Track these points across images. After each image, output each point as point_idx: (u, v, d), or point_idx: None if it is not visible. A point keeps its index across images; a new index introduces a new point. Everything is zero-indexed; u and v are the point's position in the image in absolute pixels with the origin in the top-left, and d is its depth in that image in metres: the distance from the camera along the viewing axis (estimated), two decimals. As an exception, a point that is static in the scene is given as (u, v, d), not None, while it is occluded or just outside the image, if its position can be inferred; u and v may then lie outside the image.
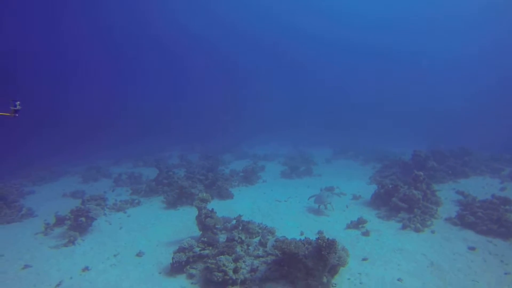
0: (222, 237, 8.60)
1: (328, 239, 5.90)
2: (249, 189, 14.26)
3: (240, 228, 8.85)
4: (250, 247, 7.66)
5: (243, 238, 7.96)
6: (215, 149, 27.91)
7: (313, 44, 73.22)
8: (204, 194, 9.05)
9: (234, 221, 9.26)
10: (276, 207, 11.50)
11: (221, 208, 11.71)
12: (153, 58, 70.60)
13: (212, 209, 9.00)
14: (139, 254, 7.82)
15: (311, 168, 17.40)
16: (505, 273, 6.16)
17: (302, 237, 8.50)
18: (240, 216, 9.28)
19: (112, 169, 22.54)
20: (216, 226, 8.78)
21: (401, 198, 10.08)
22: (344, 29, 69.61)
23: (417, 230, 8.44)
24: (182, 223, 10.10)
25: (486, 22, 58.48)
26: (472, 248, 7.17)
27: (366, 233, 8.59)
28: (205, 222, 8.46)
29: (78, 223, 8.48)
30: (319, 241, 5.86)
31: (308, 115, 53.88)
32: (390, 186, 10.89)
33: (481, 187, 12.55)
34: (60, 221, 9.31)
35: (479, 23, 59.21)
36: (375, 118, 48.71)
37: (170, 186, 14.29)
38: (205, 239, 7.66)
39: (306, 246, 6.23)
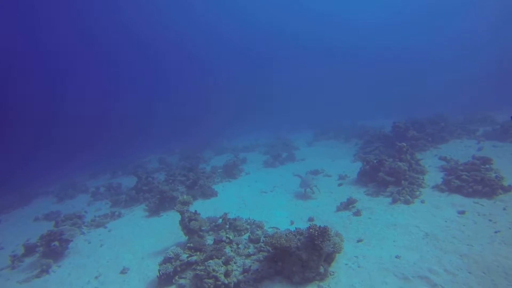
0: (210, 239, 8.15)
1: (319, 227, 5.57)
2: (233, 184, 13.81)
3: (227, 226, 8.43)
4: (240, 246, 7.25)
5: (232, 237, 7.54)
6: (194, 147, 27.16)
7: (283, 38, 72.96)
8: (185, 197, 8.52)
9: (220, 220, 8.81)
10: (263, 198, 11.14)
11: (206, 207, 11.24)
12: (129, 60, 68.16)
13: (196, 211, 8.51)
14: (124, 271, 7.24)
15: (293, 153, 17.14)
16: (495, 232, 6.09)
17: (293, 227, 8.24)
18: (226, 214, 8.85)
19: (89, 183, 21.42)
20: (202, 228, 8.30)
21: (388, 172, 9.96)
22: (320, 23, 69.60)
23: (407, 202, 8.33)
24: (167, 230, 9.55)
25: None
26: (461, 212, 7.10)
27: (357, 213, 8.38)
28: (189, 226, 7.96)
29: (51, 249, 7.74)
30: (311, 230, 5.53)
31: (284, 101, 54.19)
32: (375, 161, 10.75)
33: (460, 149, 12.72)
34: (29, 250, 8.50)
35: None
36: (350, 94, 49.58)
37: (151, 193, 13.64)
38: (192, 244, 7.18)
39: (297, 237, 5.88)
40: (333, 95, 54.05)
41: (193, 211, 8.43)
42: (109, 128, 49.14)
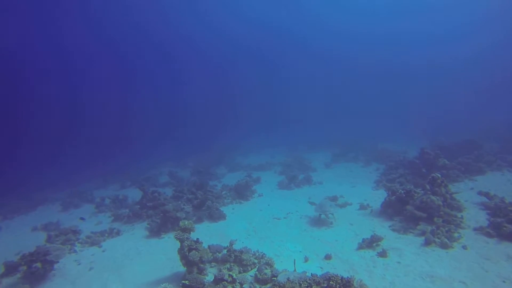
0: (212, 272, 7.13)
1: (341, 279, 4.45)
2: (244, 206, 12.76)
3: (232, 259, 7.36)
4: (244, 286, 6.18)
5: (235, 275, 6.47)
6: (208, 161, 26.38)
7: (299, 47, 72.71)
8: (186, 222, 7.56)
9: (225, 251, 7.76)
10: (275, 226, 10.02)
11: (212, 232, 10.25)
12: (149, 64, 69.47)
13: (197, 239, 7.51)
14: (108, 305, 6.28)
15: (310, 175, 15.96)
16: None
17: (307, 265, 7.08)
18: (232, 243, 7.81)
19: (98, 192, 20.95)
20: (203, 260, 7.27)
21: (418, 206, 8.67)
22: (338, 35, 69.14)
23: (444, 246, 7.01)
24: (165, 256, 8.58)
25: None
26: (521, 269, 5.75)
27: (383, 254, 7.14)
28: (189, 257, 6.96)
29: (32, 271, 6.90)
30: (331, 283, 4.41)
31: (303, 118, 53.46)
32: (402, 192, 9.48)
33: (503, 184, 11.20)
34: (10, 269, 7.69)
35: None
36: (369, 115, 48.18)
37: (155, 210, 12.77)
38: (187, 281, 6.15)
39: (314, 288, 4.76)
40: (351, 111, 52.92)
41: (195, 239, 7.43)
42: (128, 136, 49.49)
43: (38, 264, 6.99)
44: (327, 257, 7.42)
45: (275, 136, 40.59)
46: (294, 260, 6.82)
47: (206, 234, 10.12)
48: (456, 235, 7.44)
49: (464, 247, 6.90)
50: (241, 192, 13.62)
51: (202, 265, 7.16)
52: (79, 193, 18.24)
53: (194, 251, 7.08)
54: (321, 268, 6.93)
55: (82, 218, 12.24)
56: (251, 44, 70.59)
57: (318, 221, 9.88)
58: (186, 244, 7.22)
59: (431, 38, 61.78)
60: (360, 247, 7.70)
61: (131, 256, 8.74)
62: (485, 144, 16.69)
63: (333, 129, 40.36)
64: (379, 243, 7.68)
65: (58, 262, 7.74)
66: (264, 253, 7.62)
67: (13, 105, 49.70)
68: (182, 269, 7.25)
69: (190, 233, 7.52)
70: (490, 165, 12.84)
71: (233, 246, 7.81)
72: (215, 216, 11.42)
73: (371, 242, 7.69)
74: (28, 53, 49.00)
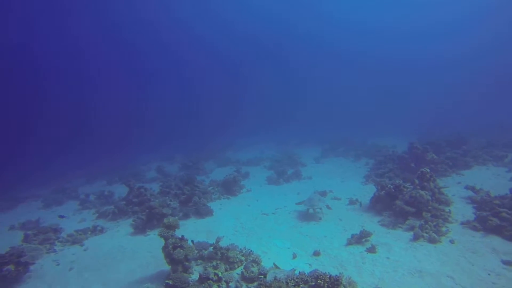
0: (197, 270, 6.91)
1: (329, 277, 4.29)
2: (232, 201, 12.55)
3: (219, 256, 7.15)
4: (230, 284, 5.99)
5: (221, 273, 6.26)
6: (199, 156, 26.02)
7: (302, 45, 72.61)
8: (171, 219, 7.29)
9: (211, 248, 7.54)
10: (263, 222, 9.84)
11: (198, 228, 10.01)
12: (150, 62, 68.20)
13: (183, 236, 7.25)
14: (88, 307, 5.99)
15: (299, 170, 15.86)
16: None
17: (295, 262, 6.94)
18: (218, 240, 7.61)
19: (83, 188, 20.40)
20: (189, 257, 7.04)
21: (407, 201, 8.62)
22: (334, 31, 69.21)
23: (432, 240, 6.97)
24: (150, 253, 8.30)
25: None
26: (508, 263, 5.72)
27: (372, 249, 7.05)
28: (173, 255, 6.71)
29: (3, 274, 6.50)
30: (319, 281, 4.25)
31: (295, 112, 53.45)
32: (391, 186, 9.43)
33: (488, 178, 11.32)
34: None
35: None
36: (360, 110, 48.53)
37: (141, 206, 12.44)
38: (171, 281, 5.92)
39: (301, 287, 4.60)
40: (341, 106, 53.18)
41: (180, 237, 7.18)
42: (129, 136, 48.46)
43: (11, 267, 6.60)
44: (316, 253, 7.29)
45: (267, 131, 40.47)
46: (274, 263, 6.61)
47: (193, 230, 9.89)
48: (444, 229, 7.42)
49: (452, 241, 6.87)
50: (229, 188, 13.39)
51: (187, 263, 6.92)
52: (63, 189, 17.67)
53: (179, 249, 6.83)
54: (309, 265, 6.80)
55: (61, 216, 11.76)
56: (252, 44, 70.33)
57: (307, 216, 9.77)
58: (170, 242, 6.96)
59: (431, 33, 62.31)
60: (349, 242, 7.60)
61: (114, 255, 8.43)
62: (472, 139, 16.92)
63: (324, 125, 40.53)
64: (368, 238, 7.59)
65: (34, 263, 7.36)
66: (251, 250, 7.43)
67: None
68: (167, 267, 7.00)
69: (174, 230, 7.26)
70: (476, 160, 12.97)
71: (219, 243, 7.61)
72: (202, 212, 11.17)
73: (360, 238, 7.59)
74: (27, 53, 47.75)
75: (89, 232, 9.93)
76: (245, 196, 13.02)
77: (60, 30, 47.90)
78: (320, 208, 9.78)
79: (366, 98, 56.37)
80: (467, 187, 9.98)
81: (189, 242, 7.31)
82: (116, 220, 12.16)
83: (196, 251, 7.36)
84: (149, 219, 10.50)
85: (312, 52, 72.66)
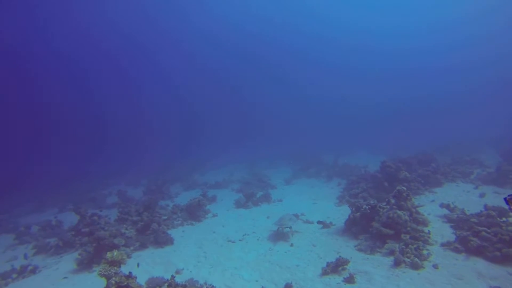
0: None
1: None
2: (195, 228, 11.29)
3: (173, 297, 5.93)
4: (183, 335, 4.80)
5: (172, 321, 5.06)
6: (164, 179, 24.36)
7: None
8: (115, 253, 6.02)
9: (165, 286, 6.29)
10: (229, 250, 8.71)
11: (156, 259, 8.69)
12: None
13: (130, 273, 5.97)
14: None
15: (269, 193, 14.96)
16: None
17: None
18: (173, 277, 6.38)
19: (28, 218, 17.99)
20: (136, 301, 5.75)
21: (384, 222, 7.99)
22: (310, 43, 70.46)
23: (415, 266, 6.27)
24: (91, 297, 6.84)
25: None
26: (498, 290, 5.11)
27: (350, 279, 6.21)
28: (114, 300, 5.42)
29: None
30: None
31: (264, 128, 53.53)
32: (367, 207, 8.80)
33: (459, 195, 11.12)
34: None
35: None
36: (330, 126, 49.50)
37: (91, 236, 10.81)
38: (104, 336, 4.62)
39: None
40: (308, 124, 54.01)
41: (126, 274, 5.90)
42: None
43: None
44: (288, 286, 6.30)
45: (236, 153, 39.56)
46: None
47: (149, 262, 8.55)
48: (425, 252, 6.78)
49: (435, 266, 6.21)
50: (193, 212, 12.15)
51: (132, 309, 5.63)
52: (-1, 220, 15.32)
53: (122, 290, 5.56)
54: (280, 302, 5.80)
55: None
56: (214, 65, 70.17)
57: (277, 238, 8.91)
58: (113, 282, 5.68)
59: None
60: (325, 272, 6.70)
61: (43, 302, 6.86)
62: (438, 157, 17.16)
63: (293, 140, 40.59)
64: (345, 266, 6.76)
65: None
66: (213, 286, 6.30)
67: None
68: (108, 315, 5.65)
69: (119, 267, 6.00)
70: (446, 177, 12.90)
71: (177, 277, 6.42)
72: (161, 240, 9.82)
73: (336, 266, 6.74)
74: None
75: (15, 275, 8.16)
76: (210, 222, 11.82)
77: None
78: (290, 227, 9.32)
79: (336, 115, 57.88)
80: (441, 205, 9.62)
81: (145, 277, 6.04)
82: (60, 254, 10.47)
83: (146, 292, 6.10)
84: (97, 252, 8.99)
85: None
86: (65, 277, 8.41)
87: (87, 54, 56.28)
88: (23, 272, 8.39)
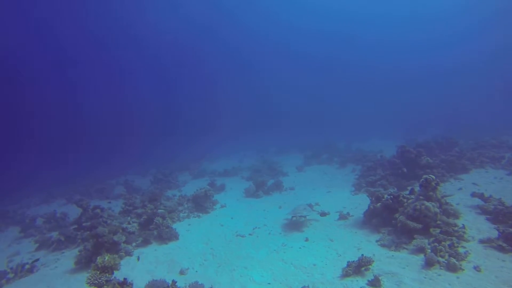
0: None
1: None
2: (202, 220, 10.63)
3: (175, 304, 5.28)
4: None
5: (171, 338, 4.39)
6: (173, 167, 23.83)
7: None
8: (107, 258, 5.39)
9: (166, 290, 5.65)
10: (238, 247, 8.02)
11: (159, 257, 8.07)
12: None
13: (125, 279, 5.32)
14: None
15: (280, 181, 14.17)
16: None
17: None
18: (174, 282, 5.72)
19: (36, 209, 17.80)
20: (133, 309, 5.12)
21: (410, 215, 7.10)
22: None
23: (452, 268, 5.41)
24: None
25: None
26: None
27: (375, 282, 5.41)
28: (108, 309, 4.78)
29: None
30: None
31: (274, 120, 52.67)
32: (389, 197, 7.91)
33: (490, 182, 10.10)
34: None
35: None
36: (339, 114, 48.21)
37: (92, 231, 10.29)
38: None
39: None
40: (322, 111, 52.84)
41: (120, 281, 5.25)
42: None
43: None
44: (304, 294, 5.56)
45: (246, 139, 38.87)
46: None
47: (152, 261, 7.94)
48: (461, 250, 5.91)
49: (477, 269, 5.34)
50: (200, 204, 11.48)
51: (129, 318, 5.00)
52: (4, 212, 15.05)
53: (117, 298, 4.92)
54: (296, 311, 5.06)
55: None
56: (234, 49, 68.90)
57: (291, 232, 8.20)
58: (107, 289, 5.04)
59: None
60: (346, 273, 5.92)
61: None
62: (461, 141, 16.01)
63: (305, 130, 39.56)
64: (369, 266, 5.95)
65: None
66: (220, 291, 5.62)
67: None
68: (103, 323, 5.04)
69: (112, 272, 5.35)
70: (473, 162, 11.83)
71: (181, 279, 5.77)
72: (165, 236, 9.19)
73: (358, 267, 5.94)
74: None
75: (10, 274, 7.65)
76: (218, 214, 11.15)
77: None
78: (305, 217, 8.78)
79: (346, 103, 56.44)
80: (473, 194, 8.64)
81: (147, 278, 5.39)
82: (62, 250, 10.02)
83: (145, 298, 5.46)
84: (96, 249, 8.41)
85: (286, 59, 72.58)
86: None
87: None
88: (20, 270, 7.89)
